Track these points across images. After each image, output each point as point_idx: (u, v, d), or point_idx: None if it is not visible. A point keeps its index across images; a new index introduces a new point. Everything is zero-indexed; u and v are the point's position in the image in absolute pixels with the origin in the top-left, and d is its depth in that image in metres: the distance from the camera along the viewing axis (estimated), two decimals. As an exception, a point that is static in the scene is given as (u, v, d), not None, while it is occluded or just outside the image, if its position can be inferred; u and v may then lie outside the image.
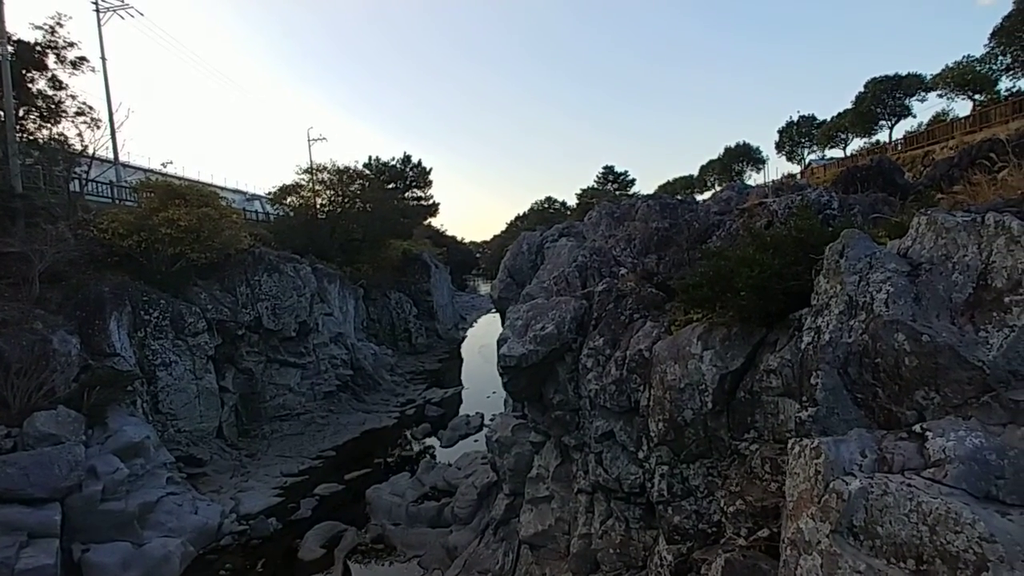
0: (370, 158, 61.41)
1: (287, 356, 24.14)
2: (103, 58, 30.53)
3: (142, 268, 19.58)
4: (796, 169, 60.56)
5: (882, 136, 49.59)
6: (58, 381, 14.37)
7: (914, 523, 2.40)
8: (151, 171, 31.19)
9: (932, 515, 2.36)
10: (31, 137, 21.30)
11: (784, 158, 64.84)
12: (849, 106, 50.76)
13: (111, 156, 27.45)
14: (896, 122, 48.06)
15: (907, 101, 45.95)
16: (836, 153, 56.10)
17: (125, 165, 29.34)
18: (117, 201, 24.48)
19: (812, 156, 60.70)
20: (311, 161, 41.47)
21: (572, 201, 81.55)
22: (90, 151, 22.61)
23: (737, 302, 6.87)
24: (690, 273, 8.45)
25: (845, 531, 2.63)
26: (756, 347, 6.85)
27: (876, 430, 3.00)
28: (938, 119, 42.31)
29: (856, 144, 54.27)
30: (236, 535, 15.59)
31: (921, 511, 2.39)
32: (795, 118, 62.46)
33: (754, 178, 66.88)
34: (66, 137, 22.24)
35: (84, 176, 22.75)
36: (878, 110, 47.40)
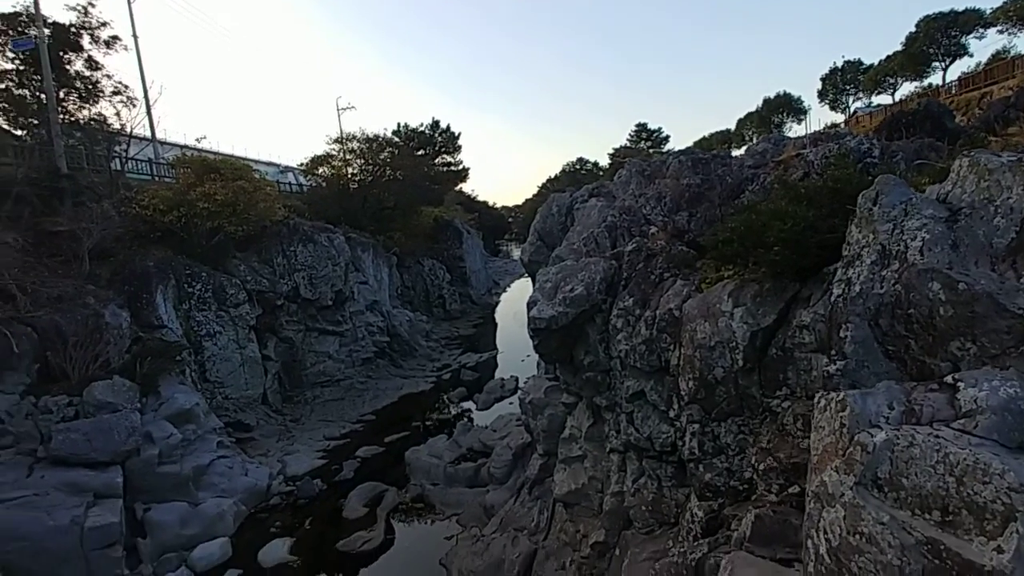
0: (399, 125, 61.25)
1: (325, 324, 24.76)
2: (135, 36, 30.94)
3: (183, 243, 20.19)
4: (840, 119, 57.76)
5: (935, 79, 46.66)
6: (112, 353, 15.10)
7: (940, 474, 2.33)
8: (186, 147, 31.86)
9: (960, 466, 2.28)
10: (72, 118, 21.92)
11: (827, 107, 61.87)
12: (899, 48, 47.74)
13: (148, 134, 28.10)
14: (951, 63, 45.07)
15: (963, 39, 42.89)
16: (884, 100, 53.13)
17: (162, 142, 30.02)
18: (156, 178, 25.16)
19: (857, 104, 57.68)
20: (341, 131, 41.61)
21: (604, 161, 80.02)
22: (128, 129, 23.18)
23: (769, 257, 6.67)
24: (721, 229, 8.23)
25: (869, 483, 2.56)
26: (789, 303, 6.67)
27: (906, 382, 2.90)
28: (998, 57, 39.39)
29: (906, 89, 51.27)
30: (284, 495, 16.35)
31: (948, 462, 2.31)
32: (840, 64, 59.23)
33: (794, 130, 64.14)
34: (104, 117, 22.84)
35: (124, 154, 23.38)
36: (931, 50, 44.45)
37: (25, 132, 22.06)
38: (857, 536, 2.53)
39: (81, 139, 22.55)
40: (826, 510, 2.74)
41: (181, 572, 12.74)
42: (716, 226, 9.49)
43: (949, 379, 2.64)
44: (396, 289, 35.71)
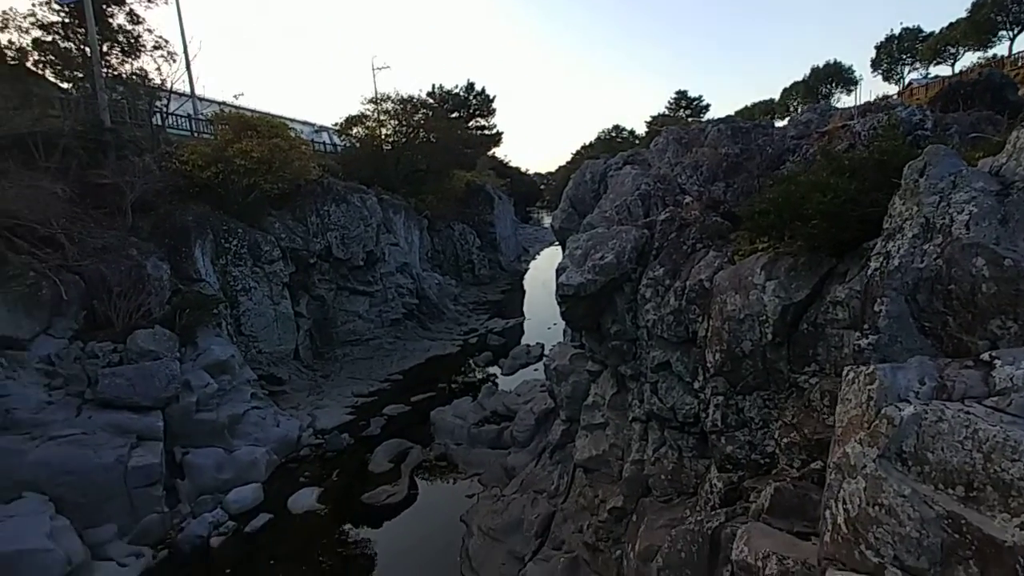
0: (433, 86, 60.68)
1: (356, 284, 25.19)
2: (175, -10, 31.03)
3: (220, 199, 20.61)
4: (893, 90, 54.99)
5: (1000, 49, 43.84)
6: (153, 303, 15.68)
7: (968, 450, 2.29)
8: (224, 103, 32.19)
9: (988, 443, 2.23)
10: (115, 72, 22.32)
11: (880, 78, 58.92)
12: (963, 15, 44.86)
13: (187, 89, 28.47)
14: (1019, 32, 42.22)
15: (1035, 6, 40.08)
16: (942, 71, 50.25)
17: (200, 98, 30.38)
18: (195, 134, 25.56)
19: (913, 75, 54.73)
20: (375, 91, 41.47)
21: (641, 130, 78.10)
22: (168, 84, 23.54)
23: (806, 230, 6.49)
24: (758, 200, 8.01)
25: (893, 456, 2.54)
26: (824, 278, 6.51)
27: (940, 358, 2.83)
28: (1071, 27, 36.76)
29: (967, 60, 48.34)
30: (313, 447, 16.98)
31: (977, 438, 2.27)
32: (897, 31, 56.05)
33: (843, 101, 61.33)
34: (146, 71, 23.19)
35: (164, 109, 23.79)
36: (999, 18, 41.63)
37: (71, 85, 22.57)
38: (877, 507, 2.52)
39: (123, 93, 22.98)
40: (847, 481, 2.73)
41: (217, 513, 13.42)
42: (753, 197, 9.25)
43: (985, 356, 2.56)
44: (426, 252, 35.98)
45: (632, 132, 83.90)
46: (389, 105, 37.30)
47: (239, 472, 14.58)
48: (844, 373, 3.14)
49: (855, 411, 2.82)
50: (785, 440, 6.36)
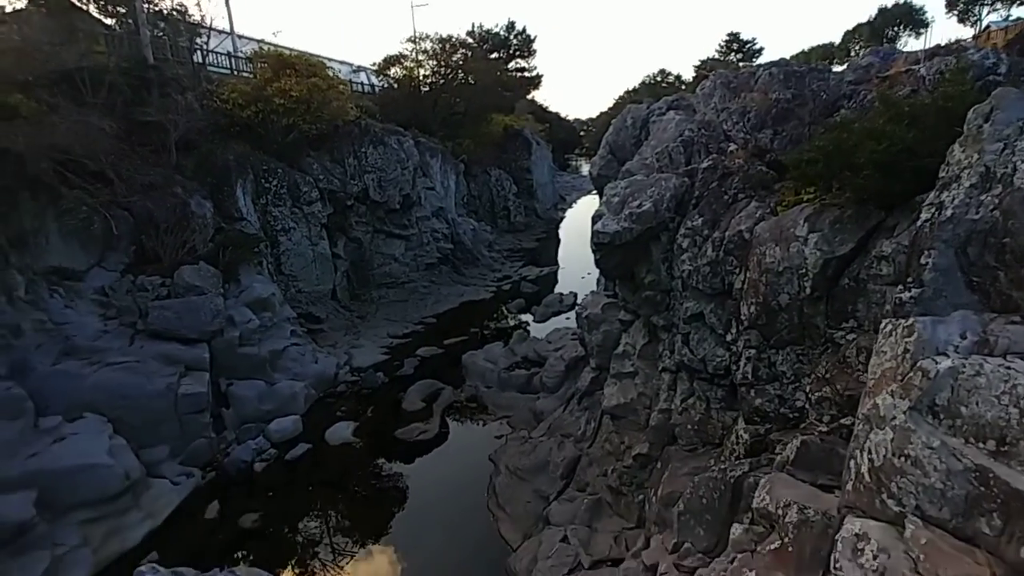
0: (472, 25, 58.88)
1: (392, 228, 25.42)
2: (213, -77, 30.50)
3: (260, 138, 20.80)
4: (968, 34, 50.79)
5: (1093, -12, 39.75)
6: (197, 240, 16.18)
7: (1004, 405, 2.22)
8: (263, 41, 31.98)
9: (1027, 399, 2.16)
10: (156, 7, 22.31)
11: (955, 19, 54.33)
12: (1054, -51, 40.61)
13: (227, 26, 28.35)
14: (1117, -32, 38.10)
15: None
16: (1026, 12, 45.97)
17: (239, 36, 30.23)
18: (235, 72, 25.58)
19: (992, 17, 50.27)
20: (414, 30, 40.51)
21: (688, 75, 74.63)
22: (208, 21, 23.45)
23: (856, 181, 6.20)
24: (807, 148, 7.65)
25: (925, 409, 2.49)
26: (870, 232, 6.26)
27: (985, 313, 2.71)
28: None
29: (1055, 0, 44.03)
30: (349, 384, 17.65)
31: (1015, 393, 2.19)
32: (978, -34, 51.19)
33: (910, 45, 57.04)
34: (185, 7, 23.12)
35: (204, 47, 23.80)
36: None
37: (114, 21, 22.71)
38: (902, 458, 2.49)
39: (165, 30, 23.03)
40: (874, 432, 2.70)
41: (259, 441, 14.22)
42: (802, 146, 8.83)
43: (1035, 312, 2.45)
44: (462, 198, 35.87)
45: (678, 77, 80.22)
46: (427, 45, 36.49)
47: (280, 404, 15.31)
48: (882, 326, 3.05)
49: (889, 364, 2.76)
50: (816, 395, 6.29)
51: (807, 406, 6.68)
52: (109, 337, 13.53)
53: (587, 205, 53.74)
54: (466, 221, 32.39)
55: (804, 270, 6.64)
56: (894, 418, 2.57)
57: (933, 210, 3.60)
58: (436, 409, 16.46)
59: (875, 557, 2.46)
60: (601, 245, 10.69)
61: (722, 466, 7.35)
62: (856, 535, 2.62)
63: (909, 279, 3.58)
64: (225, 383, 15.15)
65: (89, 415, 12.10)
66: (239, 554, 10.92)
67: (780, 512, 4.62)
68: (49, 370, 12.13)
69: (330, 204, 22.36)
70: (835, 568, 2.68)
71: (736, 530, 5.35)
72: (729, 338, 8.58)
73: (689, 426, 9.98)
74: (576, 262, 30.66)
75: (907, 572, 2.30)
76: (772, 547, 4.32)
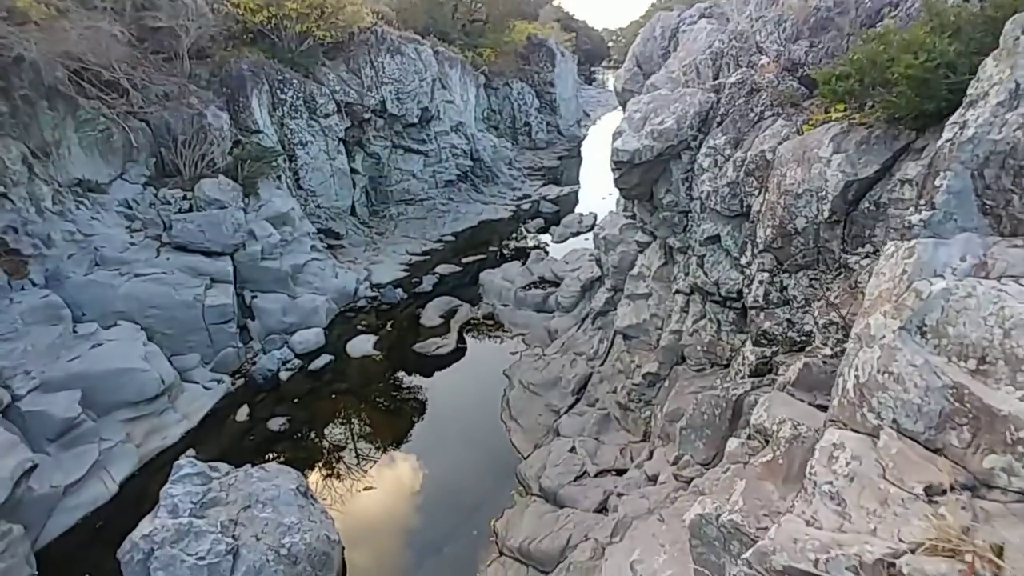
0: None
1: (410, 143, 25.02)
2: None
3: (274, 46, 20.21)
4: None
5: None
6: (216, 153, 16.18)
7: (989, 326, 2.25)
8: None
9: (1012, 319, 2.18)
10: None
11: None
12: None
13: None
14: None
15: None
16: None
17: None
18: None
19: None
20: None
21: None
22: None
23: (888, 98, 5.90)
24: (839, 62, 7.22)
25: (914, 329, 2.53)
26: (897, 154, 6.02)
27: (990, 237, 2.68)
28: None
29: None
30: (369, 299, 18.08)
31: (1001, 315, 2.21)
32: None
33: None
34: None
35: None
36: None
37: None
38: (886, 375, 2.57)
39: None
40: (863, 350, 2.76)
41: (284, 351, 14.85)
42: (836, 59, 8.33)
43: (1038, 235, 2.41)
44: (482, 112, 34.85)
45: (717, -18, 74.52)
46: (447, -57, 34.16)
47: (302, 317, 15.84)
48: (885, 248, 3.04)
49: (887, 285, 2.77)
50: (823, 320, 6.33)
51: (814, 330, 6.74)
52: (136, 249, 13.92)
53: (612, 122, 51.82)
54: (486, 137, 31.64)
55: (824, 192, 6.47)
56: (883, 337, 2.62)
57: (956, 129, 3.45)
58: (453, 325, 16.91)
59: (847, 464, 2.60)
60: (620, 164, 10.46)
61: (725, 385, 7.55)
62: (833, 444, 2.75)
63: (922, 201, 3.50)
64: (249, 296, 15.64)
65: (123, 323, 12.69)
66: (269, 455, 11.68)
67: (775, 428, 4.80)
68: (82, 279, 12.61)
69: (347, 117, 21.97)
70: (810, 473, 2.83)
71: (732, 444, 5.60)
72: (744, 261, 8.54)
73: (698, 347, 10.17)
74: (598, 182, 30.09)
75: (875, 477, 2.44)
76: (764, 460, 4.53)
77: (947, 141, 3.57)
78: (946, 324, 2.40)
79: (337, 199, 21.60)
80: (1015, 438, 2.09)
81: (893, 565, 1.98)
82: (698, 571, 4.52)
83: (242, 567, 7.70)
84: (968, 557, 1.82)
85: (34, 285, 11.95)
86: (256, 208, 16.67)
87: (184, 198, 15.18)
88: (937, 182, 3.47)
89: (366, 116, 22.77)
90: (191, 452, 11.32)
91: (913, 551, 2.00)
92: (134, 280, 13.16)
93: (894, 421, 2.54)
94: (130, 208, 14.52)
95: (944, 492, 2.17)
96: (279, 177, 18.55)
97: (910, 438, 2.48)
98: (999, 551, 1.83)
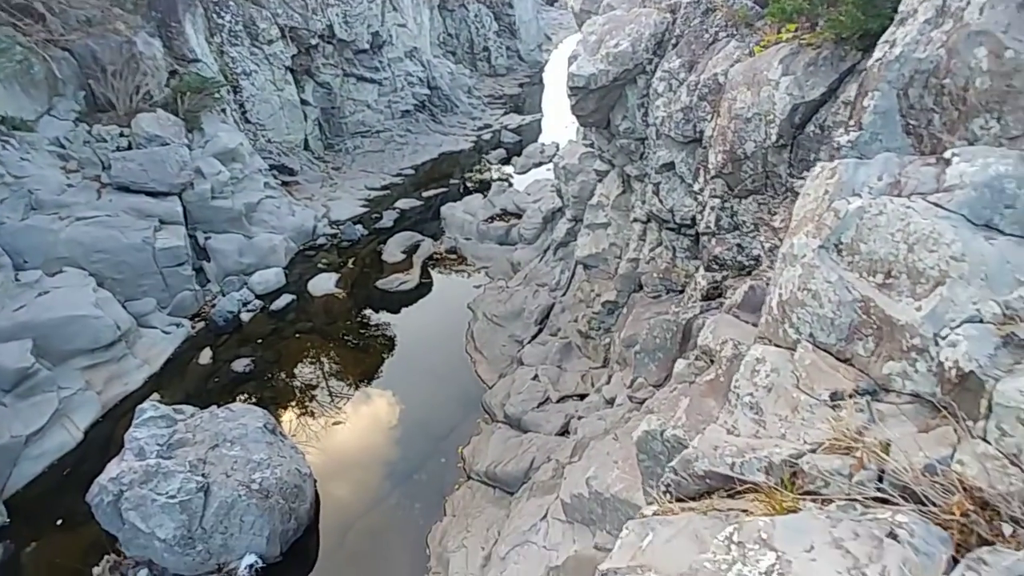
0: None
1: (363, 71, 23.85)
2: None
3: (206, -35, 18.62)
4: None
5: None
6: (151, 85, 15.18)
7: (896, 242, 2.37)
8: None
9: (915, 235, 2.30)
10: None
11: None
12: None
13: None
14: None
15: None
16: None
17: None
18: None
19: None
20: None
21: None
22: None
23: (834, 16, 5.85)
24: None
25: (831, 247, 2.64)
26: (844, 75, 6.03)
27: (907, 156, 2.77)
28: None
29: None
30: (328, 237, 17.74)
31: (907, 231, 2.33)
32: None
33: None
34: None
35: None
36: None
37: None
38: (804, 292, 2.70)
39: None
40: (787, 269, 2.89)
41: (244, 292, 14.61)
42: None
43: (948, 154, 2.49)
44: (437, 37, 33.24)
45: None
46: None
47: (260, 257, 15.50)
48: (812, 170, 3.12)
49: (811, 205, 2.86)
50: (769, 244, 6.52)
51: (762, 254, 6.95)
52: (75, 191, 13.22)
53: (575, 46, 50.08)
54: (443, 63, 30.33)
55: (772, 116, 6.50)
56: (804, 256, 2.73)
57: (885, 48, 3.47)
58: (416, 260, 16.83)
59: (767, 376, 2.78)
60: (576, 89, 10.26)
61: (676, 309, 7.81)
62: (756, 359, 2.92)
63: (851, 122, 3.56)
64: (203, 237, 15.16)
65: (69, 269, 12.23)
66: (241, 397, 11.70)
67: (718, 348, 5.03)
68: (18, 225, 12.00)
69: (292, 44, 20.70)
70: (735, 386, 3.02)
71: (680, 365, 5.86)
72: (697, 188, 8.62)
73: (655, 274, 10.40)
74: (562, 110, 29.43)
75: (789, 387, 2.63)
76: (708, 378, 4.76)
77: (877, 60, 3.60)
78: (859, 241, 2.52)
79: (288, 133, 20.69)
80: (910, 345, 2.25)
81: (797, 464, 2.18)
82: (645, 482, 4.84)
83: (214, 503, 7.90)
84: (858, 453, 2.01)
85: (-34, 233, 11.35)
86: (201, 144, 15.87)
87: (121, 135, 14.32)
88: (865, 102, 3.52)
89: (313, 42, 21.48)
90: (155, 397, 11.30)
91: (814, 451, 2.20)
92: (76, 224, 12.58)
93: (811, 335, 2.70)
94: (63, 147, 13.65)
95: (847, 397, 2.36)
96: (224, 110, 17.59)
97: (824, 350, 2.65)
98: (886, 447, 2.02)
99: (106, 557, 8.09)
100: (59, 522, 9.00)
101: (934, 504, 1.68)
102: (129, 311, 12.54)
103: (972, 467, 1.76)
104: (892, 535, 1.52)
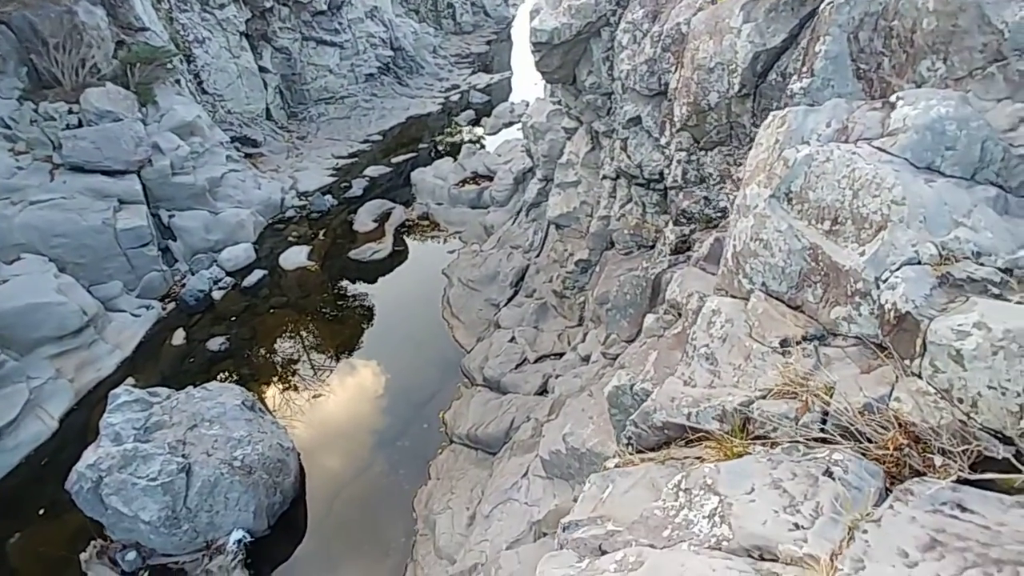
0: None
1: (322, 34, 23.00)
2: None
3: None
4: None
5: None
6: (98, 57, 14.46)
7: (842, 188, 2.39)
8: None
9: (860, 180, 2.32)
10: None
11: None
12: None
13: None
14: None
15: None
16: None
17: None
18: None
19: None
20: None
21: None
22: None
23: (794, -41, 5.74)
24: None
25: (782, 196, 2.66)
26: (803, 21, 5.96)
27: (855, 101, 2.77)
28: None
29: None
30: (298, 209, 17.39)
31: (852, 177, 2.35)
32: None
33: None
34: None
35: None
36: None
37: None
38: (756, 242, 2.73)
39: None
40: (741, 220, 2.91)
41: (214, 270, 14.34)
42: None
43: (892, 98, 2.50)
44: (399, -5, 32.08)
45: None
46: None
47: (228, 233, 15.16)
48: (767, 119, 3.11)
49: (763, 155, 2.87)
50: (734, 195, 6.54)
51: (728, 206, 6.99)
52: (25, 174, 12.71)
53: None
54: (406, 23, 29.37)
55: (734, 66, 6.43)
56: (757, 206, 2.75)
57: (838, -11, 3.44)
58: (388, 228, 16.64)
59: (722, 327, 2.83)
60: (539, 45, 10.06)
61: (645, 265, 7.87)
62: (712, 310, 2.96)
63: (804, 68, 3.54)
64: (167, 215, 14.74)
65: (27, 256, 11.84)
66: (219, 376, 11.55)
67: (684, 301, 5.08)
68: (-32, 212, 11.54)
69: (246, 7, 19.82)
70: (691, 339, 3.07)
71: (649, 319, 5.93)
72: (663, 141, 8.58)
73: (626, 231, 10.43)
74: (531, 67, 28.87)
75: (742, 336, 2.68)
76: (675, 332, 4.83)
77: (828, 3, 3.57)
78: (807, 189, 2.53)
79: (248, 102, 20.00)
80: (854, 289, 2.30)
81: (748, 410, 2.24)
82: (616, 435, 4.95)
83: (197, 482, 7.91)
84: (804, 397, 2.07)
85: (-87, 222, 10.87)
86: (157, 118, 15.28)
87: (70, 112, 13.68)
88: (817, 48, 3.50)
89: (267, 4, 20.58)
90: (130, 381, 11.16)
91: (764, 397, 2.26)
92: (29, 208, 12.14)
93: (763, 284, 2.74)
94: (8, 128, 13.03)
95: (796, 344, 2.42)
96: (178, 81, 16.89)
97: (776, 298, 2.69)
98: (830, 390, 2.08)
99: (92, 543, 8.10)
100: (41, 512, 8.96)
101: (870, 441, 1.75)
102: (95, 295, 12.25)
103: (907, 404, 1.83)
104: (828, 472, 1.58)
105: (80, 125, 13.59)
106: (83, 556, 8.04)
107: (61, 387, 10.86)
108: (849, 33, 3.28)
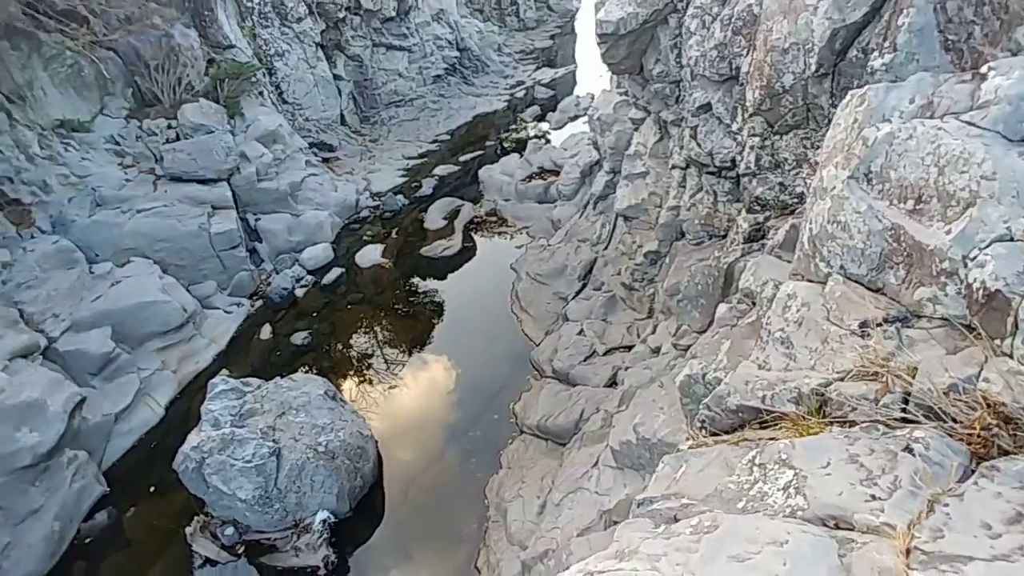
0: None
1: (391, 39, 23.77)
2: None
3: (231, -51, 18.76)
4: None
5: None
6: (192, 76, 15.63)
7: (927, 166, 2.29)
8: None
9: (946, 156, 2.22)
10: None
11: None
12: None
13: None
14: None
15: None
16: None
17: None
18: None
19: None
20: None
21: None
22: None
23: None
24: None
25: (861, 177, 2.58)
26: (889, -8, 5.66)
27: (942, 75, 2.63)
28: None
29: None
30: (371, 209, 18.11)
31: (938, 153, 2.25)
32: None
33: None
34: None
35: None
36: None
37: None
38: (834, 224, 2.66)
39: None
40: (818, 203, 2.84)
41: (295, 268, 15.20)
42: None
43: (984, 69, 2.36)
44: (464, -4, 32.57)
45: None
46: None
47: (308, 234, 16.02)
48: (845, 98, 3.01)
49: (841, 135, 2.78)
50: (812, 180, 6.28)
51: (805, 191, 6.72)
52: (133, 185, 13.94)
53: (604, -9, 47.99)
54: (471, 23, 29.81)
55: (811, 44, 6.18)
56: (834, 188, 2.68)
57: (924, -42, 3.26)
58: (457, 225, 17.01)
59: (797, 311, 2.77)
60: (605, 36, 10.00)
61: (717, 255, 7.69)
62: (788, 295, 2.90)
63: (885, 43, 3.38)
64: (253, 219, 15.76)
65: (136, 259, 13.01)
66: (302, 368, 12.29)
67: (759, 289, 4.98)
68: (87, 221, 12.80)
69: (321, 19, 20.80)
70: (766, 323, 3.03)
71: (721, 309, 5.83)
72: (735, 127, 8.34)
73: (696, 221, 10.20)
74: (596, 60, 28.60)
75: (819, 319, 2.62)
76: (749, 321, 4.75)
77: (914, -27, 3.39)
78: (889, 168, 2.45)
79: (324, 109, 20.98)
80: (939, 269, 2.20)
81: (825, 392, 2.21)
82: (689, 424, 4.92)
83: (286, 465, 8.49)
84: (884, 378, 2.03)
85: (42, 232, 12.19)
86: (243, 129, 16.34)
87: (169, 127, 14.91)
88: (900, 21, 3.33)
89: (340, 15, 21.50)
90: (224, 372, 12.03)
91: (842, 379, 2.22)
92: (137, 216, 13.31)
93: (841, 267, 2.67)
94: (118, 144, 14.35)
95: (878, 325, 2.35)
96: (261, 93, 17.98)
97: (855, 281, 2.62)
98: (913, 371, 2.02)
99: (196, 518, 8.87)
100: (152, 489, 9.87)
101: (956, 421, 1.70)
102: (193, 294, 13.28)
103: (997, 384, 1.76)
104: (908, 449, 1.57)
105: (178, 139, 14.77)
106: (188, 530, 8.82)
107: (166, 377, 11.87)
108: (936, 3, 3.12)
